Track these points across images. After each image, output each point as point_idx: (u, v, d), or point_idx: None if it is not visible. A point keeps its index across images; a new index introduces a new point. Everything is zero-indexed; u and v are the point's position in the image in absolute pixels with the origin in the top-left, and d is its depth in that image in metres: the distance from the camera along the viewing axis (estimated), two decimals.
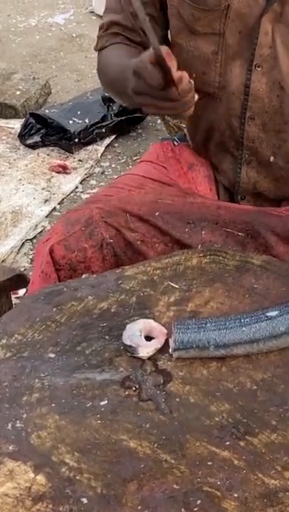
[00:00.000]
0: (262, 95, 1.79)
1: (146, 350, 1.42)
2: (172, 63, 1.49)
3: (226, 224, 1.80)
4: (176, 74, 1.50)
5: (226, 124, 1.86)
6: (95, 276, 1.69)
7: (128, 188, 1.92)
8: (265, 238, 1.79)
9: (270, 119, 1.82)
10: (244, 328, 1.42)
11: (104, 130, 4.08)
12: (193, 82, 1.58)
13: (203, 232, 1.79)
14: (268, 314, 1.43)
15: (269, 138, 1.85)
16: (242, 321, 1.43)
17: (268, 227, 1.79)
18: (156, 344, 1.43)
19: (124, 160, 3.97)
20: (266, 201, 1.96)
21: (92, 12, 5.79)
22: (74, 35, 5.47)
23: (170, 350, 1.43)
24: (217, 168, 2.00)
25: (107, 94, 4.20)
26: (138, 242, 1.81)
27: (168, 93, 1.54)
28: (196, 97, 1.61)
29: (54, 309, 1.55)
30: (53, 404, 1.34)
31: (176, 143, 2.07)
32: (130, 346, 1.43)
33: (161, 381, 1.38)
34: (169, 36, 1.88)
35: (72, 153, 3.99)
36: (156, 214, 1.81)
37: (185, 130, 2.09)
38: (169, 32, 1.87)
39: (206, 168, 2.01)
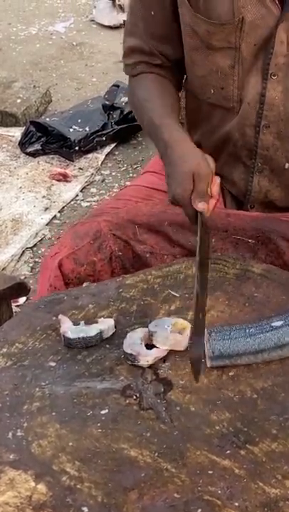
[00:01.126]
0: (277, 103, 1.80)
1: (146, 358, 1.42)
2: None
3: (235, 231, 1.80)
4: None
5: (240, 133, 1.86)
6: (95, 284, 1.69)
7: (135, 200, 1.92)
8: (276, 244, 1.79)
9: (285, 127, 1.83)
10: (249, 339, 1.42)
11: (104, 138, 4.08)
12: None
13: (213, 240, 1.79)
14: (272, 324, 1.43)
15: (284, 145, 1.86)
16: (246, 331, 1.43)
17: (278, 233, 1.79)
18: (156, 353, 1.43)
19: (124, 168, 3.98)
20: (275, 210, 1.96)
21: (92, 20, 5.80)
22: (74, 43, 5.48)
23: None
24: (226, 179, 2.00)
25: (107, 102, 4.21)
26: (147, 255, 1.81)
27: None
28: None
29: (54, 318, 1.55)
30: (54, 413, 1.34)
31: None
32: (131, 354, 1.43)
33: (162, 390, 1.38)
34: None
35: (73, 161, 3.99)
36: (166, 224, 1.81)
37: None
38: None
39: None
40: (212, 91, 1.84)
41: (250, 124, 1.84)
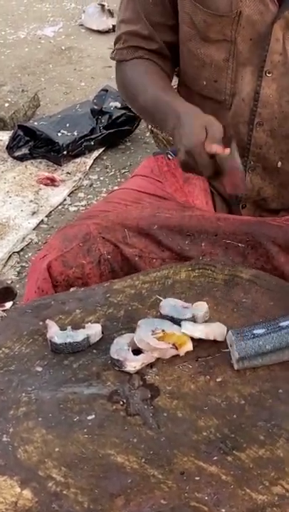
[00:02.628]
0: (272, 101, 1.81)
1: (133, 364, 1.42)
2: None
3: (225, 235, 1.80)
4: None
5: (233, 130, 1.87)
6: (83, 289, 1.68)
7: (124, 203, 1.92)
8: (266, 248, 1.79)
9: (279, 125, 1.84)
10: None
11: (92, 143, 4.08)
12: None
13: (203, 244, 1.79)
14: (254, 332, 1.43)
15: (277, 143, 1.87)
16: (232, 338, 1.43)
17: (268, 238, 1.80)
18: (143, 359, 1.43)
19: (112, 173, 3.97)
20: (265, 211, 1.97)
21: (81, 25, 5.80)
22: (63, 47, 5.47)
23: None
24: None
25: (96, 107, 4.20)
26: (136, 258, 1.81)
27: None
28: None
29: (41, 323, 1.55)
30: (40, 419, 1.33)
31: (170, 157, 2.06)
32: (117, 360, 1.42)
33: (149, 395, 1.38)
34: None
35: (61, 165, 3.98)
36: (155, 227, 1.81)
37: None
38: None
39: (201, 181, 2.00)
40: (204, 83, 1.85)
41: (243, 121, 1.84)
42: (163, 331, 1.44)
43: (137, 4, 1.89)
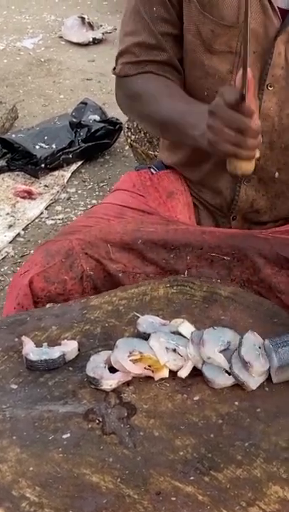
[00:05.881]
0: (272, 114, 1.82)
1: (109, 382, 1.40)
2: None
3: (211, 249, 1.80)
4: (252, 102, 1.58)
5: None
6: (59, 305, 1.67)
7: (107, 218, 1.90)
8: (252, 261, 1.79)
9: (278, 137, 1.85)
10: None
11: (71, 156, 4.07)
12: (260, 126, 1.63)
13: (188, 258, 1.79)
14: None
15: (275, 155, 1.88)
16: None
17: (255, 250, 1.79)
18: (120, 377, 1.41)
19: (90, 186, 3.96)
20: (254, 223, 1.97)
21: (60, 37, 5.80)
22: (42, 59, 5.47)
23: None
24: (211, 188, 1.98)
25: (74, 120, 4.20)
26: (120, 274, 1.80)
27: (240, 120, 1.59)
28: (258, 153, 1.65)
29: (17, 339, 1.53)
30: (14, 437, 1.31)
31: (153, 171, 2.06)
32: (94, 378, 1.41)
33: (125, 414, 1.36)
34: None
35: (38, 178, 3.97)
36: (139, 242, 1.80)
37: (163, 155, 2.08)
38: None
39: (185, 196, 2.00)
40: (206, 93, 1.84)
41: None
42: (140, 353, 1.43)
43: (141, 14, 1.86)
